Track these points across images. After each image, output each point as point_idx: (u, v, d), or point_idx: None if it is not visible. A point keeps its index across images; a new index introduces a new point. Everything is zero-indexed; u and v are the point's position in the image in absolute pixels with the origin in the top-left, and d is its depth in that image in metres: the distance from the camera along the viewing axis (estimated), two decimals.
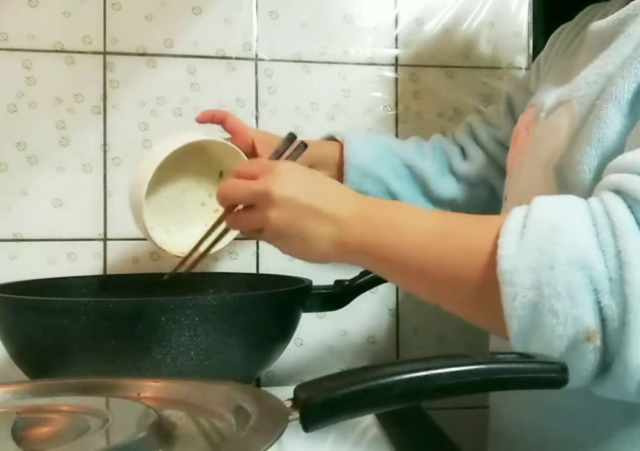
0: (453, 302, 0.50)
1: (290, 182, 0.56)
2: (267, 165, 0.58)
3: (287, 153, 0.63)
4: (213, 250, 0.70)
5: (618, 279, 0.39)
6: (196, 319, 0.57)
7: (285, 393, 0.43)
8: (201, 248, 0.70)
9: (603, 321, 0.40)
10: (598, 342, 0.40)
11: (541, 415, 0.57)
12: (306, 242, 0.54)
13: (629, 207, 0.42)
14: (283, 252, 0.58)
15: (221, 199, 0.59)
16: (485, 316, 0.47)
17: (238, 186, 0.58)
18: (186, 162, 0.76)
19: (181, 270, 0.72)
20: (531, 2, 0.96)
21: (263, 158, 0.68)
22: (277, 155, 0.63)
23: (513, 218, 0.44)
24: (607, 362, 0.42)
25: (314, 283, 0.72)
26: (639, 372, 0.40)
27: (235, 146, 0.72)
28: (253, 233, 0.59)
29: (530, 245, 0.42)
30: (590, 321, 0.40)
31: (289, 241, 0.56)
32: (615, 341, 0.40)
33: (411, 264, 0.50)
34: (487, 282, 0.44)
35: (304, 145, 0.62)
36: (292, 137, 0.63)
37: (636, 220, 0.41)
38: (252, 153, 0.74)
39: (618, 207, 0.42)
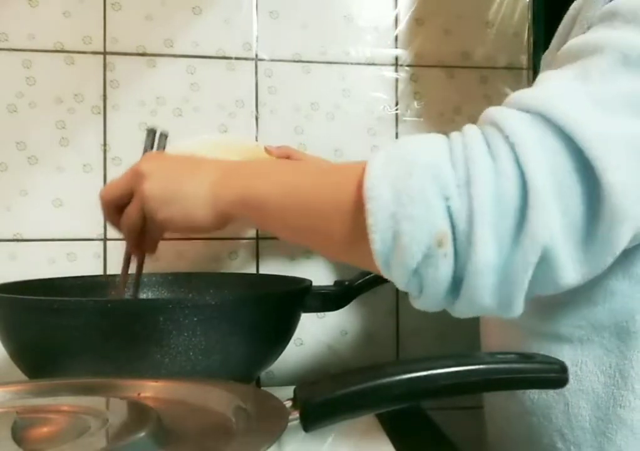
0: (330, 241, 0.50)
1: (154, 157, 0.63)
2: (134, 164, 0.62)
3: (155, 147, 0.70)
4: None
5: (464, 184, 0.41)
6: (195, 319, 0.57)
7: (285, 393, 0.43)
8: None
9: (452, 225, 0.41)
10: (449, 246, 0.41)
11: (533, 425, 0.56)
12: (184, 202, 0.56)
13: (481, 129, 0.43)
14: (168, 223, 0.58)
15: (102, 197, 0.62)
16: (361, 251, 0.46)
17: (112, 182, 0.62)
18: None
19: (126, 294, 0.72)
20: (531, 2, 0.96)
21: None
22: (145, 152, 0.69)
23: (379, 151, 0.46)
24: (459, 275, 0.41)
25: (314, 283, 0.72)
26: (489, 274, 0.40)
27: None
28: (139, 222, 0.60)
29: (391, 164, 0.44)
30: (441, 223, 0.41)
31: (169, 206, 0.57)
32: (464, 244, 0.41)
33: (287, 202, 0.51)
34: (359, 212, 0.44)
35: (164, 135, 0.69)
36: (152, 131, 0.70)
37: (484, 137, 0.42)
38: None
39: (472, 128, 0.44)
